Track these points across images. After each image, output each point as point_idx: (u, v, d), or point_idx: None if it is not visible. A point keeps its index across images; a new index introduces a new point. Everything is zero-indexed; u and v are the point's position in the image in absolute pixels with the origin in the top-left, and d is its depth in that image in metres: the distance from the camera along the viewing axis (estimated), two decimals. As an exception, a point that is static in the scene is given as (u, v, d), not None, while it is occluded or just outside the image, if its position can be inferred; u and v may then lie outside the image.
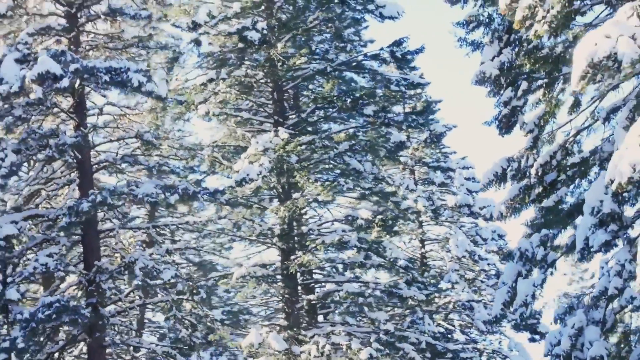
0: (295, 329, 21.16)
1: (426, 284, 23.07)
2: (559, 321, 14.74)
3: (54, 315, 17.24)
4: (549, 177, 16.11)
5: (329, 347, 20.04)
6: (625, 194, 13.26)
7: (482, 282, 29.09)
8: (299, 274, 21.94)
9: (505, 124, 15.89)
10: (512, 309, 15.40)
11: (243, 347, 19.51)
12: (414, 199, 28.53)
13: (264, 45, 21.00)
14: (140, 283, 18.40)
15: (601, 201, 13.21)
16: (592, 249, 13.52)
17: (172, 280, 18.67)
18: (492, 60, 16.17)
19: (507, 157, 16.66)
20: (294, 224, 22.02)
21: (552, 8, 13.72)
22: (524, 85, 15.46)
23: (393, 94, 22.77)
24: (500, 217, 17.09)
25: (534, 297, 15.12)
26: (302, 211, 21.91)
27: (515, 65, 15.88)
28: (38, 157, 19.31)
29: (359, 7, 22.43)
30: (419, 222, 29.64)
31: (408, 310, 24.05)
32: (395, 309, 24.08)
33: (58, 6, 20.86)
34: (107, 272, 18.80)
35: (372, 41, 25.10)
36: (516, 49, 15.96)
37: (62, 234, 19.14)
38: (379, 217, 20.38)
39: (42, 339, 18.13)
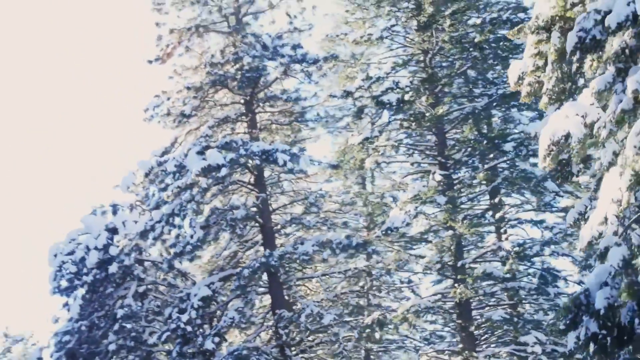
0: (467, 352, 23.33)
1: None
2: None
3: (234, 362, 21.43)
4: (622, 213, 16.88)
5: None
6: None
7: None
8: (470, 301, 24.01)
9: (560, 176, 16.95)
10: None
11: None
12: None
13: (401, 105, 23.36)
14: (304, 328, 21.96)
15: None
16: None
17: (332, 323, 21.99)
18: (551, 112, 17.34)
19: (589, 196, 17.67)
20: (461, 255, 24.08)
21: (549, 83, 15.03)
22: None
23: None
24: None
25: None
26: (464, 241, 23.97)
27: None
28: (224, 227, 23.61)
29: (494, 47, 23.86)
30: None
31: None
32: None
33: (235, 97, 25.13)
34: (284, 319, 22.62)
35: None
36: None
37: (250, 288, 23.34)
38: (515, 249, 21.86)
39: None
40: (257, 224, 24.16)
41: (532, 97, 15.47)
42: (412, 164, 25.65)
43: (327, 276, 24.49)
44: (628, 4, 10.07)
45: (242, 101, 25.15)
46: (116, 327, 24.83)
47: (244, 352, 21.33)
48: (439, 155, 24.87)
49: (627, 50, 10.65)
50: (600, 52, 11.04)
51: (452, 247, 23.46)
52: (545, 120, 15.09)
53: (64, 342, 24.91)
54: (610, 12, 10.45)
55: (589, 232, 12.84)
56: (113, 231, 25.99)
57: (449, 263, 23.74)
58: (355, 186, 27.17)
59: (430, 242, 24.15)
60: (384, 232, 22.63)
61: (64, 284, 25.41)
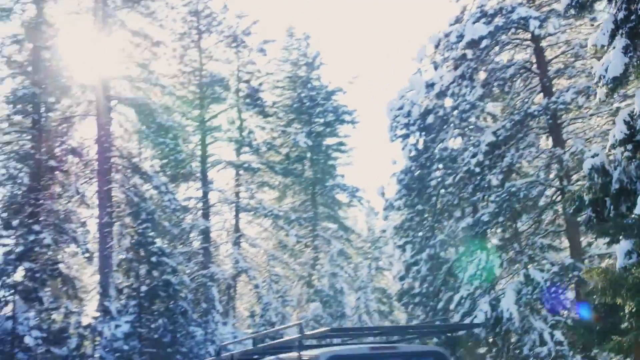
0: None
1: None
2: None
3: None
4: None
5: None
6: None
7: None
8: None
9: None
10: None
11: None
12: None
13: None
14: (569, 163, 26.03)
15: None
16: None
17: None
18: None
19: None
20: None
21: None
22: None
23: None
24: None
25: None
26: None
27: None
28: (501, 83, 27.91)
29: None
30: None
31: None
32: None
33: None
34: (556, 156, 26.74)
35: None
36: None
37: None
38: None
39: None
40: (535, 74, 28.02)
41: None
42: None
43: (595, 116, 27.57)
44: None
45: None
46: (438, 166, 31.15)
47: (513, 189, 26.17)
48: None
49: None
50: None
51: None
52: None
53: (400, 179, 32.02)
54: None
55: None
56: (431, 86, 31.72)
57: None
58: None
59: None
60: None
61: (398, 132, 32.16)
